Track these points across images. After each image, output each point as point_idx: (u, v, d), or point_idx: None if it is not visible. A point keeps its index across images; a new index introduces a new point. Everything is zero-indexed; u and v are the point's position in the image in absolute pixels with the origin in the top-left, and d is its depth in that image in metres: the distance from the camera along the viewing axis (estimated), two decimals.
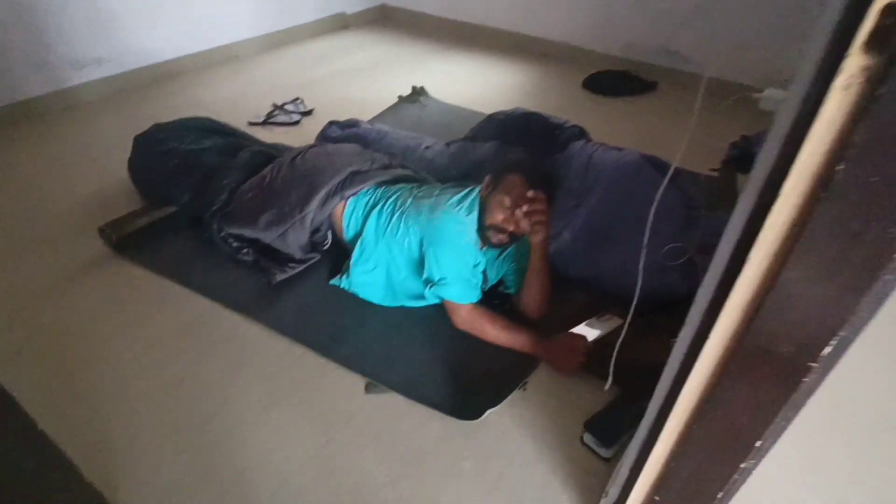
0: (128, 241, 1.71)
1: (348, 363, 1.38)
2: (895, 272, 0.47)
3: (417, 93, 2.73)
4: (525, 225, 1.39)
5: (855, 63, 0.42)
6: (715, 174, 2.20)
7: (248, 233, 1.62)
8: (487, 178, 1.46)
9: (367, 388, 1.33)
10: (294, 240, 1.60)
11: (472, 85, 2.98)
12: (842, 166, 0.45)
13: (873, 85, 0.42)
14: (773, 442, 0.72)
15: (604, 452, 1.20)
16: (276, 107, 2.61)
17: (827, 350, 0.54)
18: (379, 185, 1.62)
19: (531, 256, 1.45)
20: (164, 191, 1.79)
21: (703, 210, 1.68)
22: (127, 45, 2.71)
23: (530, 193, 1.35)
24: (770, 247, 0.54)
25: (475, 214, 1.42)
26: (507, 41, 3.47)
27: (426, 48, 3.46)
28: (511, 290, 1.54)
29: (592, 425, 1.24)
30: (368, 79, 3.02)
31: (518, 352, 1.40)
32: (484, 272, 1.53)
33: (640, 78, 2.98)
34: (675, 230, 1.53)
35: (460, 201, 1.44)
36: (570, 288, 1.57)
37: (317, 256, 1.66)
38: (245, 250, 1.62)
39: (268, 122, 2.51)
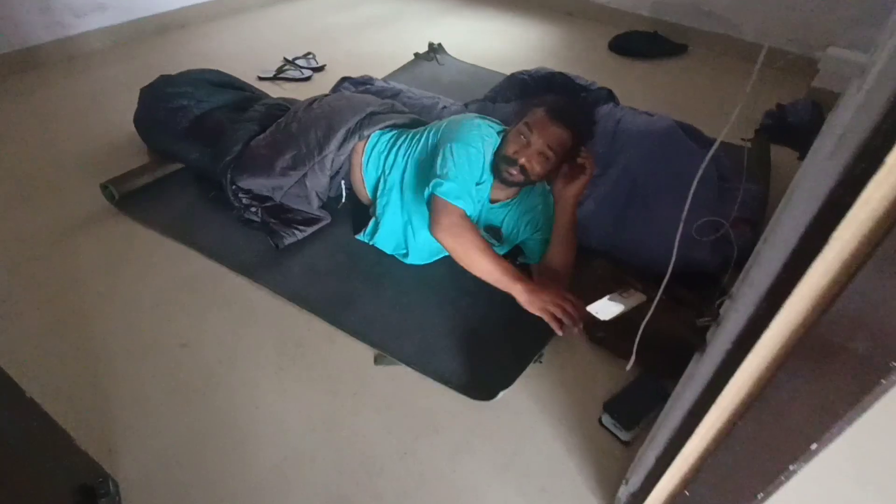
0: (130, 197, 1.64)
1: (357, 332, 1.32)
2: None
3: (434, 50, 2.59)
4: (538, 166, 1.30)
5: None
6: (748, 144, 2.07)
7: (261, 182, 1.55)
8: (516, 111, 1.39)
9: (377, 360, 1.27)
10: (313, 184, 1.54)
11: (492, 43, 2.83)
12: None
13: None
14: (829, 443, 0.65)
15: (623, 435, 1.14)
16: (286, 61, 2.49)
17: None
18: (398, 126, 1.58)
19: (557, 213, 1.36)
20: (175, 149, 1.70)
21: (736, 182, 1.57)
22: None
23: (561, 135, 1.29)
24: (861, 226, 0.45)
25: (496, 140, 1.37)
26: None
27: (443, 3, 3.28)
28: (531, 261, 1.46)
29: (612, 406, 1.18)
30: (383, 34, 2.87)
31: (533, 319, 1.33)
32: (499, 229, 1.45)
33: (670, 40, 2.81)
34: (708, 202, 1.43)
35: (489, 125, 1.41)
36: (590, 259, 1.49)
37: (327, 219, 1.59)
38: (254, 208, 1.55)
39: (278, 77, 2.40)
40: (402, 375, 1.25)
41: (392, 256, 1.53)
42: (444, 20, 3.06)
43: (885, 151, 0.41)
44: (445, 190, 1.27)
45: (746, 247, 1.45)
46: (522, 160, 1.30)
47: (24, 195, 1.71)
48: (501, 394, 1.19)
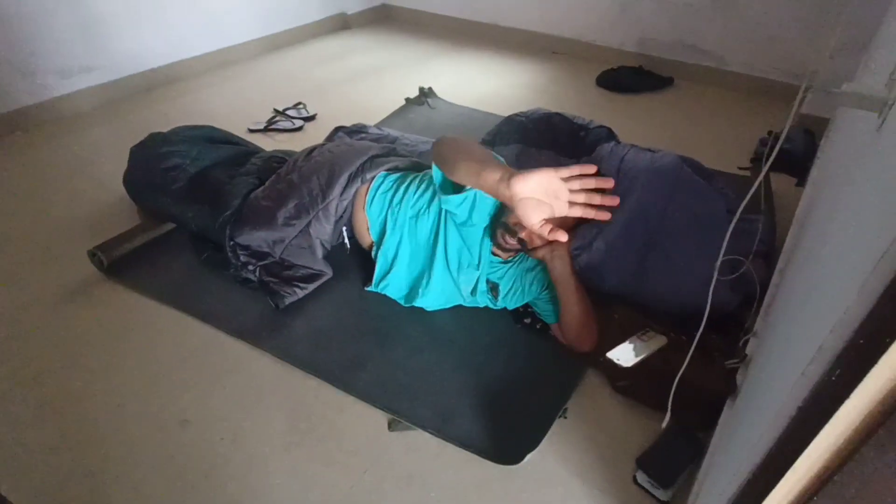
0: (121, 262, 1.57)
1: (369, 397, 1.24)
2: None
3: (425, 94, 2.60)
4: (538, 241, 1.27)
5: None
6: (746, 173, 2.07)
7: (262, 236, 1.49)
8: None
9: (391, 426, 1.20)
10: (317, 232, 1.50)
11: (481, 85, 2.85)
12: None
13: None
14: None
15: (661, 495, 1.07)
16: (277, 112, 2.47)
17: None
18: (400, 169, 1.55)
19: (553, 269, 1.32)
20: (171, 210, 1.64)
21: (746, 215, 1.55)
22: (118, 51, 2.57)
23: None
24: None
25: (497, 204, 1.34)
26: (515, 39, 3.34)
27: (431, 48, 3.33)
28: (549, 320, 1.41)
29: (646, 463, 1.10)
30: (372, 81, 2.89)
31: (554, 372, 1.28)
32: (497, 285, 1.41)
33: (656, 74, 2.85)
34: (722, 239, 1.40)
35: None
36: (605, 304, 1.44)
37: (329, 273, 1.53)
38: (251, 266, 1.49)
39: (269, 128, 2.38)
40: (420, 443, 1.17)
41: (399, 312, 1.46)
42: (433, 64, 3.09)
43: None
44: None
45: (763, 281, 1.42)
46: (524, 234, 1.27)
47: (9, 265, 1.63)
48: (529, 456, 1.12)
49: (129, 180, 1.75)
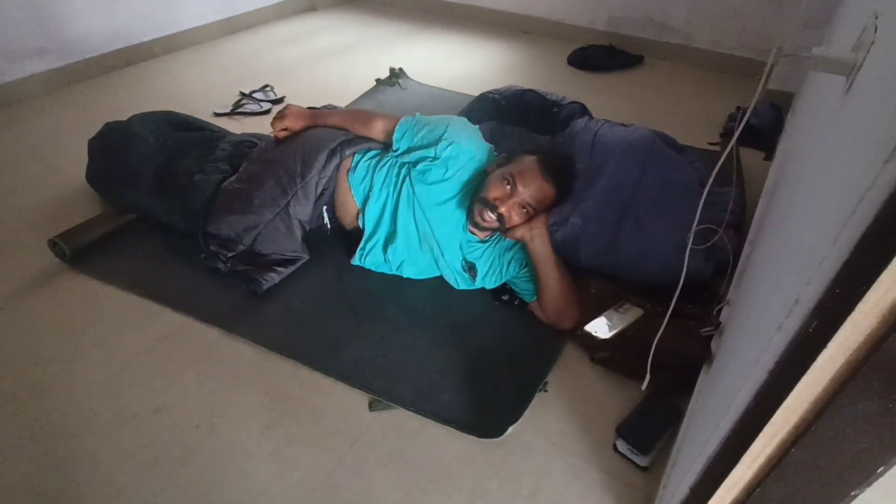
0: (84, 252, 1.50)
1: (348, 377, 1.23)
2: None
3: (396, 75, 2.56)
4: (516, 217, 1.29)
5: None
6: (717, 148, 2.10)
7: (236, 222, 1.42)
8: (503, 155, 1.36)
9: (372, 406, 1.18)
10: (296, 212, 1.44)
11: (452, 65, 2.82)
12: None
13: None
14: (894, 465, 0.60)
15: (640, 461, 1.09)
16: (243, 95, 2.40)
17: None
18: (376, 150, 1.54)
19: (532, 247, 1.33)
20: (141, 203, 1.57)
21: (716, 187, 1.57)
22: (71, 33, 2.44)
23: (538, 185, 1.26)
24: None
25: (487, 152, 1.46)
26: (485, 18, 3.30)
27: (401, 28, 3.27)
28: (528, 299, 1.41)
29: (625, 431, 1.12)
30: (342, 62, 2.82)
31: (534, 346, 1.30)
32: (475, 265, 1.40)
33: (626, 52, 2.86)
34: (694, 210, 1.42)
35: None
36: (583, 278, 1.45)
37: (306, 256, 1.50)
38: (222, 256, 1.43)
39: (235, 111, 2.30)
40: (402, 421, 1.16)
41: (378, 292, 1.45)
42: (403, 45, 3.04)
43: None
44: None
45: (735, 251, 1.44)
46: (503, 209, 1.27)
47: None
48: (511, 429, 1.12)
49: (93, 176, 1.68)
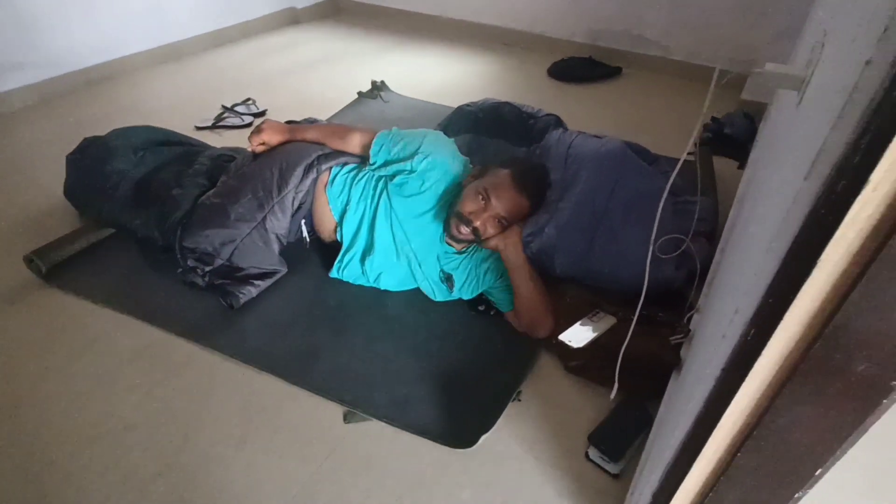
0: (60, 267, 1.50)
1: (323, 389, 1.23)
2: None
3: (377, 87, 2.58)
4: (491, 230, 1.31)
5: None
6: (691, 158, 2.14)
7: (211, 236, 1.42)
8: (477, 168, 1.38)
9: (346, 418, 1.19)
10: (273, 226, 1.45)
11: (434, 77, 2.85)
12: None
13: None
14: (832, 467, 0.63)
15: (611, 468, 1.10)
16: (225, 108, 2.41)
17: None
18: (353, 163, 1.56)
19: (506, 258, 1.35)
20: (118, 218, 1.56)
21: (688, 196, 1.61)
22: (53, 47, 2.45)
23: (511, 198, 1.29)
24: (852, 240, 0.44)
25: (462, 166, 1.47)
26: (467, 31, 3.35)
27: (383, 41, 3.30)
28: (504, 308, 1.43)
29: (597, 438, 1.14)
30: (324, 75, 2.85)
31: (508, 359, 1.31)
32: (451, 276, 1.42)
33: (605, 64, 2.91)
34: (666, 220, 1.44)
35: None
36: (559, 287, 1.47)
37: (283, 269, 1.51)
38: (200, 270, 1.44)
39: (217, 125, 2.32)
40: (377, 430, 1.17)
41: (355, 303, 1.46)
42: (385, 58, 3.07)
43: (869, 169, 0.40)
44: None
45: (706, 259, 1.47)
46: (478, 223, 1.30)
47: None
48: (483, 438, 1.13)
49: (71, 191, 1.67)
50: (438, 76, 2.87)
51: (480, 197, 1.31)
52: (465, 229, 1.33)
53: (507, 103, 1.89)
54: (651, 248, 0.96)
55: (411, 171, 1.41)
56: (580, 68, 2.87)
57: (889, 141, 0.37)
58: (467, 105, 1.92)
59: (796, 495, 0.61)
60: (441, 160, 1.43)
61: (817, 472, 0.57)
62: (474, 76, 2.88)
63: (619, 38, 2.95)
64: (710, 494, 0.68)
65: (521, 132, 1.78)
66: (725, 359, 0.61)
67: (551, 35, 3.13)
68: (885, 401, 0.49)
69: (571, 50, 3.03)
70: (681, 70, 2.81)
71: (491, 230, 1.35)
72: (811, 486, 0.61)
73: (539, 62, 2.96)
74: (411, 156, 1.41)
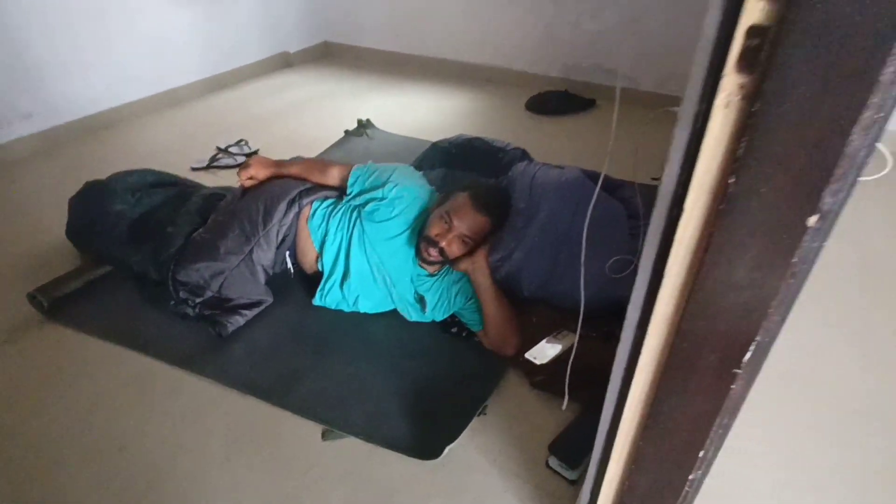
0: (59, 303, 1.61)
1: (302, 410, 1.33)
2: (795, 276, 0.49)
3: (363, 126, 2.74)
4: (456, 249, 1.42)
5: (731, 82, 0.44)
6: (657, 182, 2.26)
7: (202, 269, 1.54)
8: (441, 195, 1.51)
9: (324, 436, 1.28)
10: (259, 258, 1.57)
11: (419, 114, 3.01)
12: (733, 179, 0.46)
13: (749, 102, 0.43)
14: (717, 450, 0.72)
15: (569, 475, 1.19)
16: (219, 150, 2.56)
17: (748, 356, 0.55)
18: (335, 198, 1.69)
19: (474, 280, 1.46)
20: (117, 255, 1.68)
21: (646, 219, 1.72)
22: (58, 96, 2.62)
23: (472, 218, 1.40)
24: (682, 261, 0.55)
25: (430, 194, 1.61)
26: (450, 70, 3.54)
27: (370, 81, 3.49)
28: (475, 328, 1.54)
29: (556, 448, 1.22)
30: (313, 115, 3.02)
31: (476, 376, 1.41)
32: (423, 298, 1.53)
33: (579, 96, 3.08)
34: (621, 241, 1.56)
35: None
36: (526, 308, 1.57)
37: (270, 299, 1.62)
38: (191, 303, 1.55)
39: (211, 166, 2.46)
40: (353, 445, 1.26)
41: (337, 327, 1.56)
42: (371, 96, 3.25)
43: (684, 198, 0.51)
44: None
45: None
46: (443, 244, 1.42)
47: None
48: (447, 449, 1.22)
49: (72, 231, 1.79)
50: (424, 113, 3.03)
51: (443, 220, 1.44)
52: (433, 251, 1.45)
53: (478, 138, 2.03)
54: (582, 270, 1.06)
55: (382, 199, 1.54)
56: (556, 102, 3.03)
57: None
58: (440, 141, 2.06)
59: (690, 477, 0.70)
60: (410, 187, 1.56)
61: (700, 454, 0.67)
62: (456, 112, 3.05)
63: (592, 73, 3.12)
64: (626, 483, 0.77)
65: (491, 165, 1.91)
66: (625, 358, 0.71)
67: (529, 70, 3.31)
68: (733, 386, 0.59)
69: (548, 84, 3.21)
70: (650, 100, 2.96)
71: (456, 250, 1.46)
72: (703, 469, 0.71)
73: (518, 96, 3.13)
74: (383, 184, 1.55)
